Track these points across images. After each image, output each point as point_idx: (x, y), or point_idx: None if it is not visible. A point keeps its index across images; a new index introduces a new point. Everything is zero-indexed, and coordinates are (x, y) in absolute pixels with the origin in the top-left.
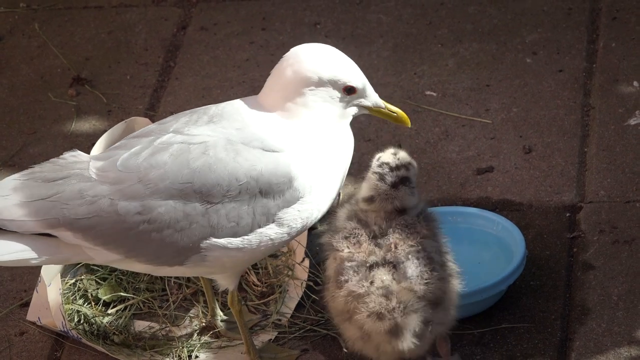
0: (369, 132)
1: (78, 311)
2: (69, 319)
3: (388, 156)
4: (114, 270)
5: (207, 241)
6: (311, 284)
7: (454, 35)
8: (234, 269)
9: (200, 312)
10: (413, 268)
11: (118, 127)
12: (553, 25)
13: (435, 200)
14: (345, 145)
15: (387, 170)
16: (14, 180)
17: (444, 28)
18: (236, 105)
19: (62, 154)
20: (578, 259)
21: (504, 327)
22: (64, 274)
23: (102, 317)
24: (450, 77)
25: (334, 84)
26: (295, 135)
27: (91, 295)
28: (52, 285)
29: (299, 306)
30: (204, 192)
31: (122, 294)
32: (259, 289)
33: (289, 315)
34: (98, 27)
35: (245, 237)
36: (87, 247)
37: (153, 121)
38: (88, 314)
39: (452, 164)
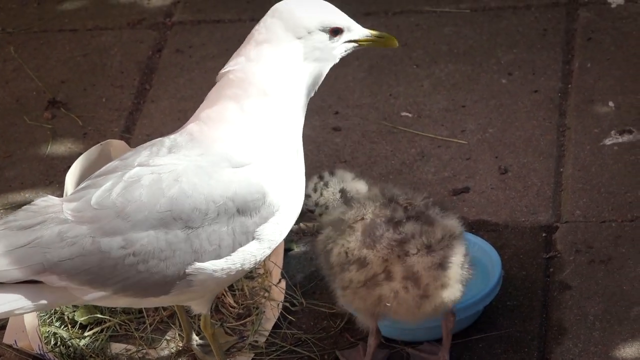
0: (344, 153)
1: (55, 334)
2: (45, 341)
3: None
4: None
5: (192, 266)
6: (288, 304)
7: (429, 56)
8: (215, 290)
9: (177, 335)
10: (437, 212)
11: (94, 150)
12: (528, 46)
13: None
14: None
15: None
16: None
17: (419, 49)
18: (186, 133)
19: (33, 201)
20: (554, 279)
21: (481, 347)
22: None
23: (78, 340)
24: (426, 98)
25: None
26: (261, 142)
27: (68, 317)
28: None
29: (276, 327)
30: (183, 218)
31: (98, 316)
32: (235, 310)
33: (266, 336)
34: (73, 50)
35: (229, 257)
36: (74, 288)
37: (129, 144)
38: (65, 336)
39: (428, 185)
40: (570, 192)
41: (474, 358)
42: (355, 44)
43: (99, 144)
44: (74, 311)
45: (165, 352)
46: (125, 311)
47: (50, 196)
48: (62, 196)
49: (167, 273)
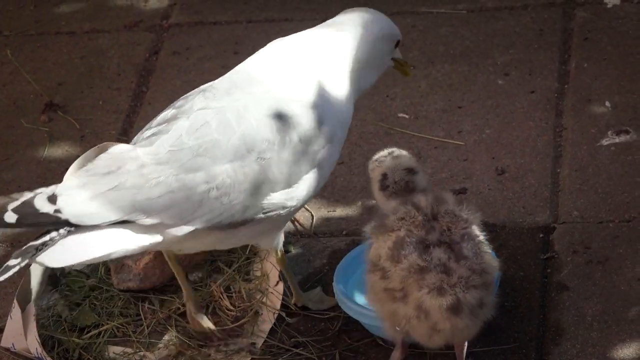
0: (341, 155)
1: (52, 337)
2: (43, 345)
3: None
4: (87, 295)
5: (268, 196)
6: (284, 310)
7: (426, 57)
8: (285, 221)
9: (175, 337)
10: (469, 248)
11: (91, 153)
12: (525, 46)
13: None
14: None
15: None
16: (74, 179)
17: (415, 50)
18: (243, 72)
19: (111, 145)
20: (552, 279)
21: (479, 349)
22: (38, 300)
23: (76, 343)
24: (423, 99)
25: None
26: (332, 89)
27: (65, 320)
28: (26, 311)
29: (273, 329)
30: (255, 150)
31: (96, 319)
32: (232, 313)
33: (263, 338)
34: (70, 53)
35: (297, 185)
36: (164, 226)
37: None
38: (62, 339)
39: None
40: (567, 192)
41: (471, 359)
42: (391, 63)
43: (96, 147)
44: (72, 314)
45: (163, 355)
46: (123, 314)
47: (120, 143)
48: None
49: (246, 204)
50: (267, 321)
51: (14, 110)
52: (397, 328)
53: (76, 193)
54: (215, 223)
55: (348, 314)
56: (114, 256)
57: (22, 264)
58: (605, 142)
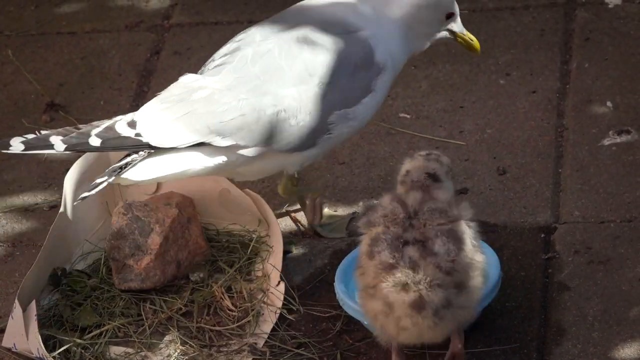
0: (342, 155)
1: (54, 337)
2: (44, 345)
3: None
4: (89, 295)
5: (331, 117)
6: (285, 309)
7: (427, 57)
8: (342, 142)
9: (176, 337)
10: (440, 245)
11: (92, 153)
12: (526, 46)
13: None
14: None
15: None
16: (153, 105)
17: None
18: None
19: (179, 77)
20: (553, 279)
21: (480, 350)
22: (39, 300)
23: (77, 343)
24: (424, 99)
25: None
26: (383, 28)
27: (67, 320)
28: (27, 311)
29: (275, 330)
30: (317, 74)
31: (98, 319)
32: (234, 314)
33: (264, 338)
34: (71, 53)
35: (356, 107)
36: (237, 147)
37: None
38: (64, 340)
39: None
40: (568, 192)
41: (473, 359)
42: (450, 35)
43: None
44: (73, 314)
45: (165, 355)
46: (124, 314)
47: (188, 74)
48: (60, 200)
49: (312, 125)
50: (268, 321)
51: (15, 110)
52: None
53: (154, 118)
54: (284, 145)
55: (349, 313)
56: (189, 174)
57: (110, 180)
58: (606, 142)
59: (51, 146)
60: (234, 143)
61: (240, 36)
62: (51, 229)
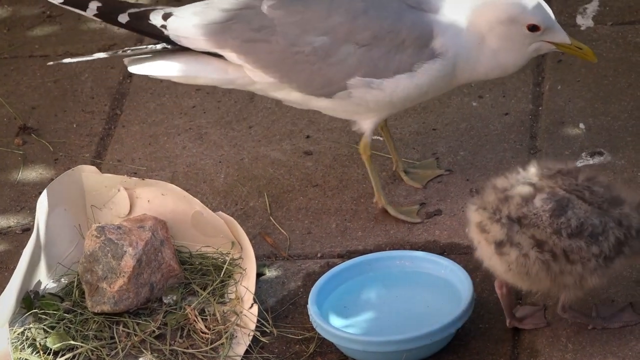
0: (316, 177)
1: None
2: None
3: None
4: (62, 318)
5: (353, 79)
6: (258, 332)
7: None
8: (377, 111)
9: (150, 359)
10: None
11: (65, 176)
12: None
13: (383, 244)
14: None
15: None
16: (195, 6)
17: None
18: None
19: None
20: (526, 301)
21: None
22: (12, 323)
23: None
24: (397, 121)
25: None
26: (458, 24)
27: (40, 344)
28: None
29: (248, 352)
30: (354, 33)
31: (70, 342)
32: (207, 336)
33: None
34: (44, 76)
35: (385, 80)
36: (248, 69)
37: (100, 169)
38: None
39: (400, 208)
40: None
41: None
42: (552, 46)
43: (70, 170)
44: (46, 337)
45: None
46: (98, 337)
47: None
48: (32, 223)
49: (329, 77)
50: (241, 344)
51: None
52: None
53: (187, 17)
54: (290, 81)
55: (323, 335)
56: (197, 81)
57: (129, 54)
58: (579, 163)
59: (85, 7)
60: (245, 64)
61: None
62: (24, 252)
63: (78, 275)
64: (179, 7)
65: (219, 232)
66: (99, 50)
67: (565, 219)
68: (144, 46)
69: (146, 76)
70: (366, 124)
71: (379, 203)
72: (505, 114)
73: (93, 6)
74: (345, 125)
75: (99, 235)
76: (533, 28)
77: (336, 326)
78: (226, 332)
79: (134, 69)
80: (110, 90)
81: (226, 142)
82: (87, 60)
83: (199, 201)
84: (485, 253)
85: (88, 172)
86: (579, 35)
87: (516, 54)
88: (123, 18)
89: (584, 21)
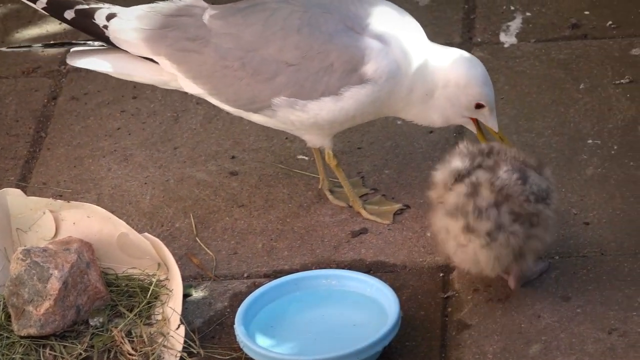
0: (241, 198)
1: None
2: None
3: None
4: None
5: (278, 98)
6: (185, 353)
7: None
8: (307, 130)
9: None
10: (504, 170)
11: None
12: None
13: (309, 263)
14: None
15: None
16: (139, 9)
17: None
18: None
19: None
20: (453, 318)
21: None
22: None
23: None
24: None
25: (470, 95)
26: (400, 56)
27: None
28: None
29: None
30: (284, 51)
31: None
32: (134, 358)
33: None
34: None
35: (310, 101)
36: (180, 78)
37: (25, 192)
38: None
39: (326, 227)
40: None
41: None
42: (475, 128)
43: None
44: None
45: None
46: None
47: (201, 0)
48: None
49: (256, 94)
50: None
51: None
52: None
53: (129, 20)
54: (218, 94)
55: (250, 356)
56: (132, 79)
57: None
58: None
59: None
60: (177, 73)
61: None
62: None
63: (4, 298)
64: (124, 8)
65: (145, 254)
66: (23, 74)
67: (529, 185)
68: (84, 42)
69: (71, 98)
70: (317, 140)
71: (355, 208)
72: (430, 132)
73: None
74: (271, 145)
75: (24, 258)
76: (478, 106)
77: (263, 346)
78: (153, 353)
79: (73, 62)
80: (34, 113)
81: (151, 163)
82: (11, 82)
83: (124, 223)
84: (468, 254)
85: (13, 195)
86: (503, 53)
87: (448, 117)
88: (69, 14)
89: (508, 38)
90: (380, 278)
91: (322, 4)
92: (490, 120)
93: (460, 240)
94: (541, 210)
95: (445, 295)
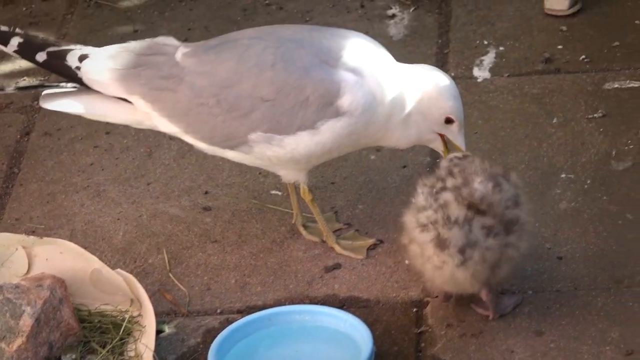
0: (215, 233)
1: None
2: None
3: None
4: None
5: (255, 134)
6: None
7: None
8: (283, 165)
9: None
10: (479, 182)
11: None
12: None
13: (283, 299)
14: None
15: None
16: (111, 49)
17: None
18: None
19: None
20: (426, 353)
21: None
22: None
23: None
24: None
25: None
26: (375, 86)
27: None
28: None
29: None
30: (259, 87)
31: None
32: None
33: None
34: None
35: (287, 136)
36: (155, 117)
37: None
38: None
39: (299, 262)
40: None
41: None
42: (442, 146)
43: None
44: None
45: None
46: None
47: (172, 37)
48: None
49: (232, 131)
50: None
51: None
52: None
53: (101, 60)
54: (193, 132)
55: None
56: (106, 119)
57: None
58: None
59: (7, 42)
60: (152, 112)
61: (240, 32)
62: None
63: None
64: (96, 49)
65: (117, 290)
66: None
67: (504, 192)
68: (56, 84)
69: (44, 134)
70: (292, 175)
71: (329, 243)
72: (403, 167)
73: (14, 42)
74: (244, 180)
75: None
76: (448, 121)
77: None
78: None
79: (46, 105)
80: (7, 149)
81: (124, 199)
82: None
83: (97, 259)
84: (445, 276)
85: None
86: (476, 87)
87: (420, 131)
88: (41, 57)
89: (481, 73)
90: (353, 313)
91: (295, 38)
92: (458, 138)
93: (434, 262)
94: (519, 215)
95: (419, 331)
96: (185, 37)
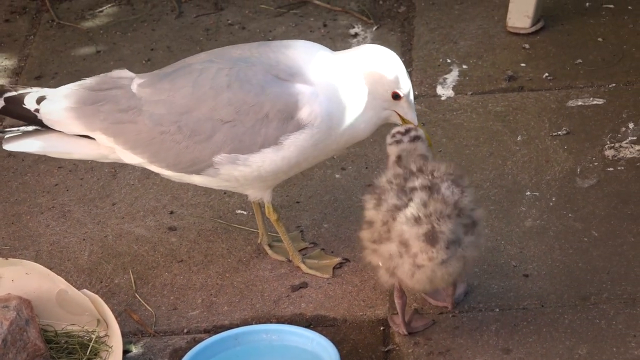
0: (180, 253)
1: None
2: None
3: (398, 129)
4: None
5: (219, 156)
6: None
7: None
8: (250, 184)
9: None
10: (446, 187)
11: None
12: (360, 140)
13: (249, 318)
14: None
15: (400, 135)
16: (66, 88)
17: None
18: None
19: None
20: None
21: None
22: None
23: None
24: None
25: (385, 84)
26: (329, 91)
27: None
28: None
29: None
30: (217, 109)
31: None
32: None
33: None
34: None
35: (251, 154)
36: (118, 150)
37: None
38: None
39: (265, 282)
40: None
41: None
42: (399, 119)
43: None
44: None
45: None
46: None
47: (126, 70)
48: None
49: (197, 155)
50: None
51: None
52: (380, 264)
53: (58, 100)
54: (158, 161)
55: None
56: (72, 157)
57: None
58: None
59: None
60: (114, 146)
61: (192, 57)
62: None
63: None
64: (53, 90)
65: (84, 310)
66: None
67: (467, 195)
68: (17, 128)
69: (8, 155)
70: (257, 194)
71: (295, 263)
72: (368, 185)
73: None
74: (209, 200)
75: None
76: (396, 96)
77: None
78: None
79: (10, 147)
80: None
81: (90, 219)
82: None
83: (63, 279)
84: (426, 274)
85: None
86: (440, 106)
87: (375, 109)
88: None
89: (445, 91)
90: (320, 332)
91: (243, 57)
92: (408, 113)
93: (417, 261)
94: (480, 216)
95: (386, 349)
96: (148, 58)
